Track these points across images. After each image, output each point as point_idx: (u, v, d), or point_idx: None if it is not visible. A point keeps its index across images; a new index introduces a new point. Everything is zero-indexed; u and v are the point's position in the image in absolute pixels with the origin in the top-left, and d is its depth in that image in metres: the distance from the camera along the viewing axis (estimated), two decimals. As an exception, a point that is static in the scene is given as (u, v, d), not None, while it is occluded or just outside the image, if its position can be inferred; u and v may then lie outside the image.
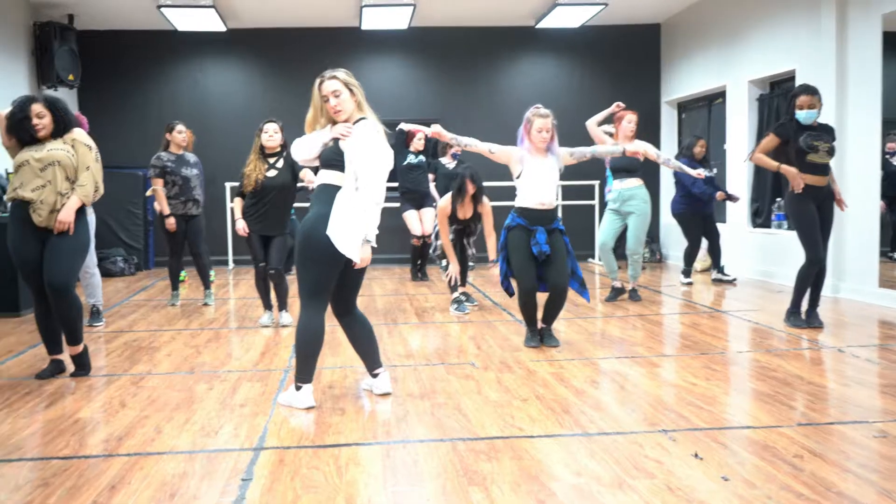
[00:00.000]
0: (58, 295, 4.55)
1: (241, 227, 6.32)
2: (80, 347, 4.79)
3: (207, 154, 8.95)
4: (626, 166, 7.51)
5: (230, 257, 10.95)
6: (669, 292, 8.25)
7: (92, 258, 6.53)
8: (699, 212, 8.65)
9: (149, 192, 7.86)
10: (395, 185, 9.13)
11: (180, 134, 7.45)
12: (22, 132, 4.61)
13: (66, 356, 4.87)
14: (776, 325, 6.14)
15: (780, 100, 8.86)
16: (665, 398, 4.16)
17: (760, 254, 9.10)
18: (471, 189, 6.79)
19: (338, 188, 3.92)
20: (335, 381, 4.57)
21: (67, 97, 10.41)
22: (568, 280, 5.37)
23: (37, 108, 4.61)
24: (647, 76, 11.75)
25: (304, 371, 4.04)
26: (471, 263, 7.70)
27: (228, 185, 10.61)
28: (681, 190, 8.69)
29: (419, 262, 9.41)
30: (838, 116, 7.50)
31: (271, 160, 6.29)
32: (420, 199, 8.92)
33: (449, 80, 11.57)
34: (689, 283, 8.71)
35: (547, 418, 3.82)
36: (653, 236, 11.45)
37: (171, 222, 7.33)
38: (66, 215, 4.58)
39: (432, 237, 7.52)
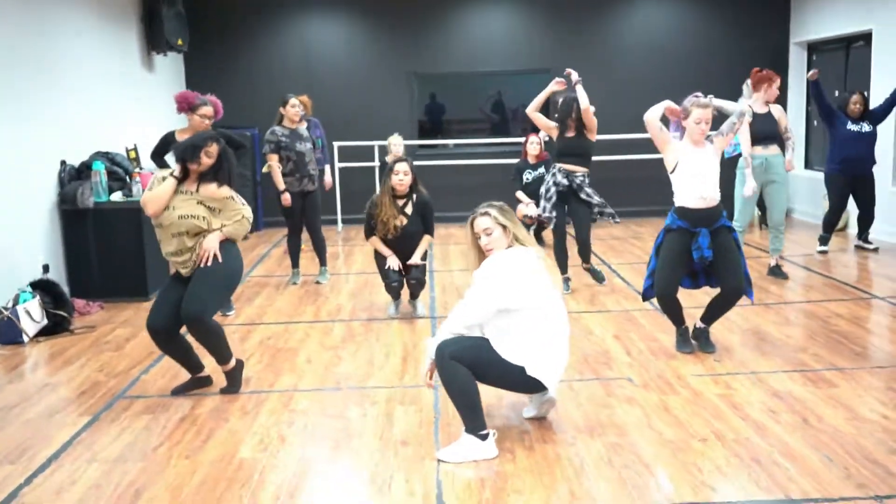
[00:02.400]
0: (191, 326, 4.45)
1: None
2: (231, 364, 4.68)
3: (315, 114, 8.71)
4: (768, 133, 6.94)
5: (339, 216, 10.80)
6: (810, 265, 7.73)
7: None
8: (850, 173, 7.98)
9: (264, 169, 7.70)
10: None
11: (294, 108, 7.22)
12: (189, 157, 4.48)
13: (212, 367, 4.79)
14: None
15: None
16: (862, 442, 3.79)
17: (907, 217, 8.44)
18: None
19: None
20: (491, 407, 4.34)
21: (174, 63, 10.27)
22: (743, 282, 4.98)
23: (212, 148, 4.50)
24: (774, 14, 10.90)
25: (474, 418, 3.76)
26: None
27: (336, 144, 10.39)
28: (832, 149, 8.04)
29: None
30: None
31: (400, 203, 6.12)
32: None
33: (559, 27, 10.95)
34: (825, 252, 8.16)
35: (738, 472, 3.52)
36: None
37: (286, 198, 7.17)
38: (211, 244, 4.45)
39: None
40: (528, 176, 8.63)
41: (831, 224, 8.23)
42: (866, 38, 9.23)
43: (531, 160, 8.67)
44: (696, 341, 5.23)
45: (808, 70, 10.70)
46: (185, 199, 4.49)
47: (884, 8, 8.71)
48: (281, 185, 7.17)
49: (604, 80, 10.54)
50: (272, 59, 10.85)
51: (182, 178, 4.50)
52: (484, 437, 3.71)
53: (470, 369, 3.74)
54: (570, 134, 6.79)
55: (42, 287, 6.23)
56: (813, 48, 10.71)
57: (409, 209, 6.13)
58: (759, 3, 10.88)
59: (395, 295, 6.30)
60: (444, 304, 6.64)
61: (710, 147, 4.95)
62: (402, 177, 6.03)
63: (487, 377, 3.84)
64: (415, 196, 6.14)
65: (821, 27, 10.16)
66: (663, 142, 5.00)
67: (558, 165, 6.82)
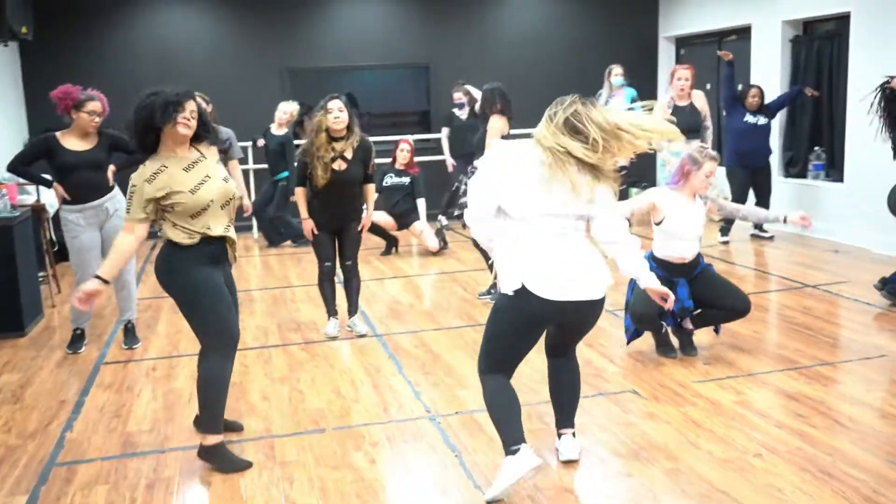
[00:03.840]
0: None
1: (310, 227, 5.43)
2: (213, 440, 3.70)
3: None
4: (689, 126, 6.97)
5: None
6: (724, 256, 7.80)
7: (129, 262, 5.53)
8: (749, 165, 8.15)
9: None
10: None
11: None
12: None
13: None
14: (887, 304, 5.78)
15: (821, 43, 8.38)
16: (910, 442, 3.69)
17: (795, 206, 8.74)
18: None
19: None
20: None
21: (9, 55, 8.89)
22: (747, 299, 4.79)
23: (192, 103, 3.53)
24: (644, 9, 11.06)
25: (511, 431, 3.28)
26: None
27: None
28: (728, 141, 8.20)
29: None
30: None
31: (338, 147, 5.36)
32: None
33: (438, 20, 10.52)
34: (727, 242, 8.31)
35: (820, 490, 3.27)
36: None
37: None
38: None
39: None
40: (388, 180, 8.29)
41: None
42: (740, 32, 9.52)
43: (398, 166, 8.34)
44: (676, 340, 5.00)
45: (676, 62, 10.98)
46: (204, 162, 3.62)
47: (761, 3, 8.99)
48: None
49: (482, 74, 10.18)
50: (124, 52, 9.64)
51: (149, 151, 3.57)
52: (514, 453, 3.21)
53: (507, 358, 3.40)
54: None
55: None
56: (681, 42, 10.98)
57: (349, 153, 5.31)
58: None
59: (328, 278, 5.61)
60: (383, 320, 6.07)
61: (701, 204, 4.76)
62: (337, 114, 5.23)
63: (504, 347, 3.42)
64: (354, 140, 5.35)
65: (689, 22, 10.42)
66: (647, 212, 4.77)
67: None
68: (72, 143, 5.24)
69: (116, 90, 5.35)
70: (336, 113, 5.26)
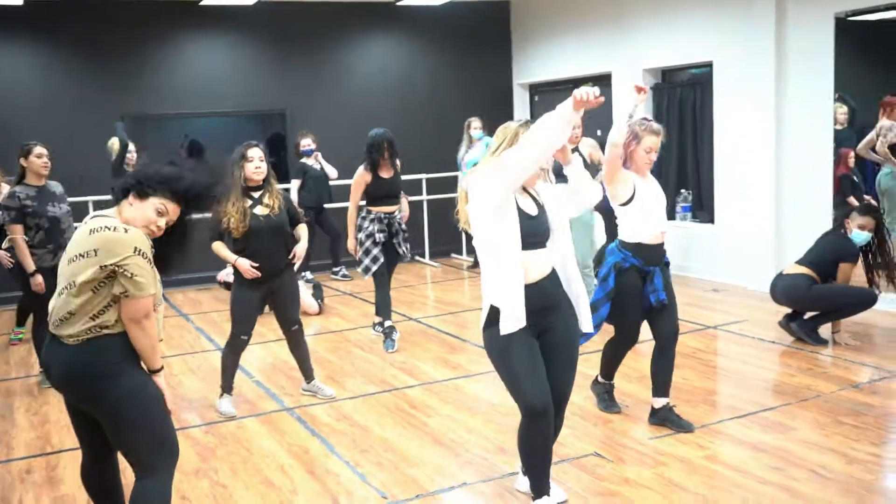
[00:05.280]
0: None
1: (246, 265, 4.74)
2: None
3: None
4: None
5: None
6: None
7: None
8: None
9: (4, 245, 5.82)
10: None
11: (40, 158, 5.54)
12: None
13: None
14: (789, 340, 5.90)
15: (684, 90, 8.67)
16: (887, 484, 3.63)
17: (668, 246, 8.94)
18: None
19: None
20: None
21: None
22: (678, 322, 4.51)
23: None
24: (499, 59, 11.12)
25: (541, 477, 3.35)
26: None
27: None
28: None
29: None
30: (778, 114, 7.47)
31: (256, 195, 4.80)
32: None
33: (293, 63, 10.02)
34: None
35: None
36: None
37: (38, 281, 5.44)
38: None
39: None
40: None
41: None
42: (599, 79, 9.73)
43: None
44: (666, 423, 4.45)
45: (531, 109, 11.09)
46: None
47: (628, 50, 9.23)
48: (30, 266, 5.42)
49: (341, 119, 9.90)
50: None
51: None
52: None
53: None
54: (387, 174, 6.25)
55: None
56: (534, 89, 11.13)
57: (269, 200, 4.82)
58: (487, 48, 10.99)
59: (240, 352, 4.99)
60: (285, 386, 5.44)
61: (653, 179, 4.43)
62: (258, 163, 4.74)
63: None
64: (270, 189, 4.85)
65: (542, 70, 10.60)
66: (616, 170, 4.26)
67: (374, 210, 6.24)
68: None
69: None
70: (257, 163, 4.76)
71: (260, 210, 4.77)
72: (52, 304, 2.90)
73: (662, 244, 4.40)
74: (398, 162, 6.34)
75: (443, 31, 10.66)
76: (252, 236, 4.73)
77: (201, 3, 9.03)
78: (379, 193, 6.27)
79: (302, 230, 5.03)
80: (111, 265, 2.74)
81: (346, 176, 7.97)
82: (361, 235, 6.27)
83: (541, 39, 10.58)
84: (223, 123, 10.08)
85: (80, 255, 2.79)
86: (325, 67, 10.13)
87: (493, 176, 3.14)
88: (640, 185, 4.28)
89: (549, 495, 3.40)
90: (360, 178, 6.22)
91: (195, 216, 3.07)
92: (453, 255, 10.63)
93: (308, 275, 8.26)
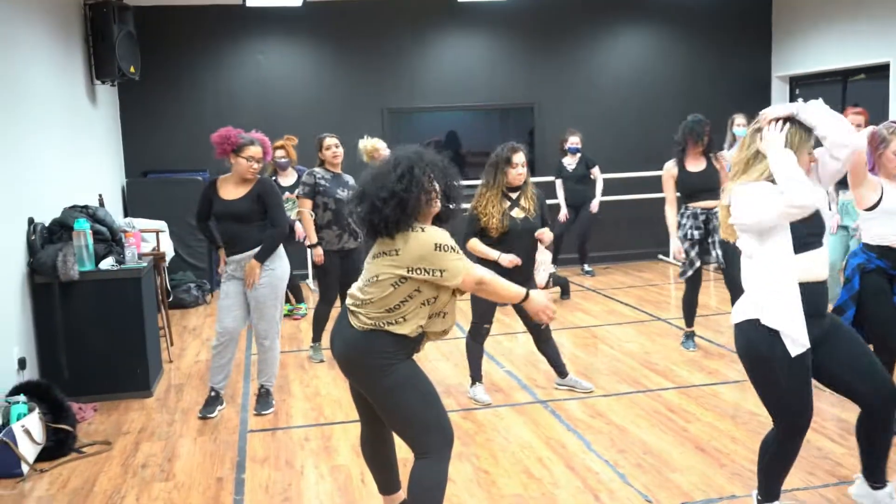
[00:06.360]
0: None
1: (509, 259, 4.80)
2: None
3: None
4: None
5: (310, 271, 9.36)
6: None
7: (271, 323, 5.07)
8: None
9: (293, 217, 6.42)
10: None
11: (328, 150, 6.11)
12: None
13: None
14: None
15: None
16: None
17: None
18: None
19: None
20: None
21: (110, 95, 8.58)
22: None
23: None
24: (757, 49, 10.54)
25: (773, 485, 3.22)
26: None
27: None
28: None
29: None
30: None
31: (513, 195, 4.89)
32: None
33: (542, 58, 10.03)
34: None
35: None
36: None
37: (318, 252, 5.89)
38: None
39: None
40: None
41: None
42: (872, 70, 8.94)
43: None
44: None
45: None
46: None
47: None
48: (313, 237, 5.91)
49: (591, 114, 9.82)
50: (222, 93, 9.33)
51: None
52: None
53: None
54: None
55: (33, 392, 4.59)
56: (796, 81, 10.43)
57: (525, 202, 4.92)
58: (743, 38, 10.47)
59: (483, 340, 5.14)
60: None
61: None
62: (520, 170, 4.81)
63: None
64: (526, 191, 4.94)
65: (806, 60, 9.88)
66: (864, 174, 4.01)
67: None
68: (227, 190, 4.90)
69: (210, 131, 4.95)
70: (520, 169, 4.84)
71: (516, 213, 4.84)
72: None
73: None
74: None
75: (695, 21, 10.25)
76: (507, 238, 4.80)
77: (460, 0, 9.30)
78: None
79: (546, 233, 4.98)
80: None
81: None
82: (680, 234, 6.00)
83: (806, 27, 9.86)
84: (472, 117, 10.32)
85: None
86: (574, 62, 10.08)
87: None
88: (888, 189, 4.02)
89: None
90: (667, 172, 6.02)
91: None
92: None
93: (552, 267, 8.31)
